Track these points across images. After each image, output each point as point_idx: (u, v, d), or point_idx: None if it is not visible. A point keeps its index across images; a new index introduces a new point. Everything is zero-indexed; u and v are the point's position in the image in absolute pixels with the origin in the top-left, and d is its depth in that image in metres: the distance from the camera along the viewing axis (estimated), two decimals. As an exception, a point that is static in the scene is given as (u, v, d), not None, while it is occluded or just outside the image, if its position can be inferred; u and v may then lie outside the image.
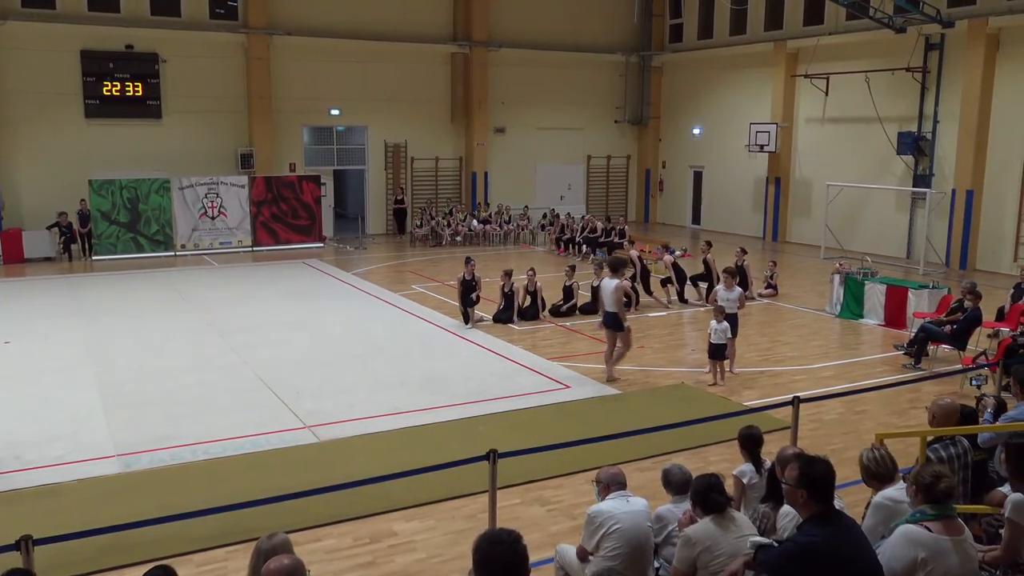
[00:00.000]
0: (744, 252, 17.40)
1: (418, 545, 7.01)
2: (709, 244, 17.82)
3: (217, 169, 24.58)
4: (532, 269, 15.83)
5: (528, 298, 15.46)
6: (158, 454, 8.86)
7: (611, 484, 5.57)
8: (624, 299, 11.54)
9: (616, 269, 11.61)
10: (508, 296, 15.10)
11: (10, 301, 16.84)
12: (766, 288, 17.63)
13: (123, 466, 8.59)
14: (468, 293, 15.03)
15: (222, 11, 24.91)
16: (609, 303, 11.38)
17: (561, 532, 7.11)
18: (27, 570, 4.32)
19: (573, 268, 16.33)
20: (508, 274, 15.11)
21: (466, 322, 14.86)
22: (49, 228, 22.18)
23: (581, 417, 10.07)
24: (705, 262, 17.30)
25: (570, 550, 5.75)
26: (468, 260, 15.54)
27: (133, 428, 9.62)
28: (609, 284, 11.40)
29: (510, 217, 26.87)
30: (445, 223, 25.95)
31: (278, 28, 25.12)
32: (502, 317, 15.02)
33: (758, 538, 4.66)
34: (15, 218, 22.81)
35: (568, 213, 25.88)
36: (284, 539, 4.58)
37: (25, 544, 5.00)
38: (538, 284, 15.50)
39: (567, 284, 15.85)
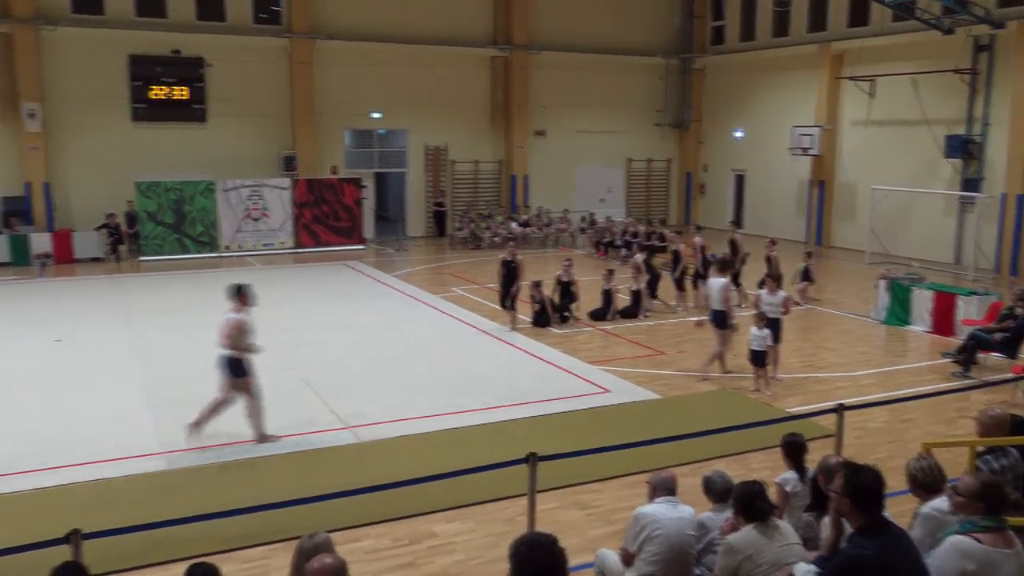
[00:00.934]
0: (774, 243, 17.25)
1: (457, 547, 7.02)
2: (735, 224, 17.93)
3: (260, 171, 24.92)
4: (569, 259, 15.65)
5: (558, 289, 15.35)
6: (201, 452, 9.00)
7: (659, 488, 5.54)
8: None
9: (723, 268, 12.13)
10: (540, 304, 15.05)
11: (61, 300, 17.24)
12: (801, 281, 17.28)
13: (168, 463, 8.74)
14: (510, 279, 14.97)
15: (266, 16, 25.26)
16: (716, 301, 11.71)
17: (600, 537, 7.07)
18: (79, 564, 4.40)
19: (611, 272, 16.26)
20: (537, 285, 15.06)
21: (503, 305, 14.83)
22: (97, 229, 22.65)
23: (620, 421, 10.02)
24: (732, 242, 17.45)
25: (610, 555, 5.73)
26: (509, 240, 15.60)
27: (177, 426, 9.76)
28: (716, 283, 11.79)
29: (549, 220, 26.85)
30: (484, 226, 26.00)
31: (321, 32, 25.39)
32: (539, 321, 15.01)
33: (803, 567, 4.55)
34: (66, 219, 23.34)
35: (608, 216, 25.79)
36: (326, 538, 4.62)
37: (74, 538, 5.11)
38: (574, 275, 15.33)
39: (605, 288, 15.78)
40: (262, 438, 9.24)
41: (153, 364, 12.47)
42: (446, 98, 27.52)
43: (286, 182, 24.32)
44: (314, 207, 24.54)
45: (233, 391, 9.19)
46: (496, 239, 25.52)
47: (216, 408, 9.21)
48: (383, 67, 26.38)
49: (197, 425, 9.16)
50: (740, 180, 29.86)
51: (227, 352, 9.10)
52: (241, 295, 9.38)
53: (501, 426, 9.85)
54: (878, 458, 8.52)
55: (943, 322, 14.49)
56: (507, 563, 3.61)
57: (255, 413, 9.25)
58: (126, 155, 23.76)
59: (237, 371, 9.13)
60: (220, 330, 9.16)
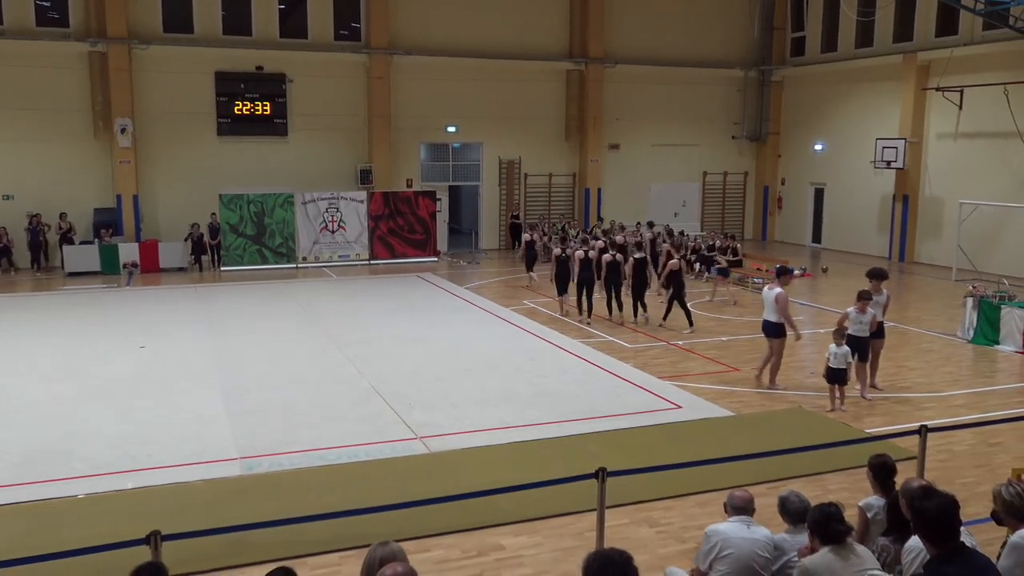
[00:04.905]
0: (653, 225, 18.44)
1: (525, 560, 6.99)
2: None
3: (338, 185, 25.44)
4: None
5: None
6: (277, 458, 9.18)
7: (732, 507, 5.45)
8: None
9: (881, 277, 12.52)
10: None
11: (146, 308, 17.87)
12: (731, 256, 17.54)
13: (244, 469, 8.93)
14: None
15: (346, 33, 25.86)
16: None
17: (670, 555, 6.96)
18: (159, 564, 4.53)
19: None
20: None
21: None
22: (184, 240, 23.45)
23: (693, 438, 9.86)
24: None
25: (679, 574, 5.63)
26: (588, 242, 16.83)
27: (254, 433, 10.01)
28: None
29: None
30: (558, 239, 25.93)
31: (398, 48, 25.83)
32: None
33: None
34: (153, 230, 24.24)
35: (681, 231, 25.47)
36: (397, 547, 4.62)
37: (154, 539, 5.27)
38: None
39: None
40: (772, 385, 11.78)
41: (231, 371, 12.79)
42: (520, 112, 27.66)
43: (362, 195, 24.77)
44: (389, 220, 24.92)
45: (773, 348, 11.67)
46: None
47: (774, 364, 11.77)
48: (459, 81, 26.67)
49: (771, 382, 11.81)
50: (819, 194, 29.18)
51: (775, 318, 11.52)
52: (785, 275, 11.87)
53: (571, 440, 9.79)
54: (964, 483, 8.21)
55: (1036, 342, 13.87)
56: (575, 578, 3.59)
57: (776, 367, 11.79)
58: (211, 168, 24.55)
59: (780, 332, 11.56)
60: (771, 302, 11.55)
